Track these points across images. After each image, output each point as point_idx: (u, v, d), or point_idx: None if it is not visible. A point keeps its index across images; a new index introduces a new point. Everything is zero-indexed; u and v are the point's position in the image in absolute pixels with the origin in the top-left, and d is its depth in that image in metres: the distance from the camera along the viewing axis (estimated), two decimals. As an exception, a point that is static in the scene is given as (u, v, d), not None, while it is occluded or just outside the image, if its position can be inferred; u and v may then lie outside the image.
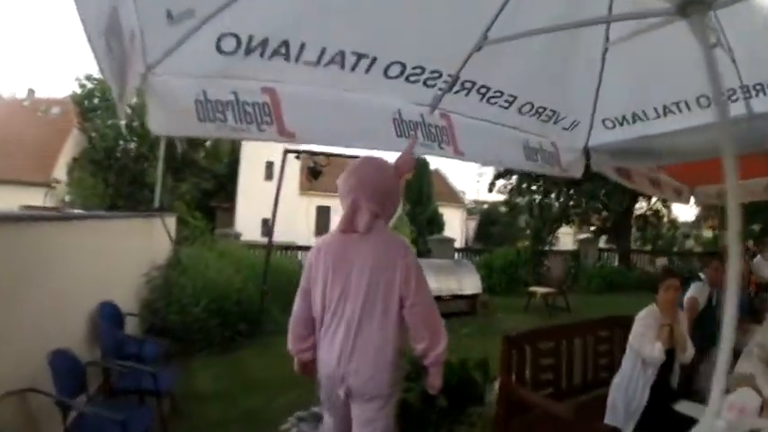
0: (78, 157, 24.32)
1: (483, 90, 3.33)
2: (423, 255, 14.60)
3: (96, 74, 24.17)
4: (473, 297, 11.37)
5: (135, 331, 6.57)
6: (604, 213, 20.65)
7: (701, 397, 4.04)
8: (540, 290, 12.62)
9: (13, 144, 24.00)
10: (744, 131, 3.26)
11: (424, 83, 3.09)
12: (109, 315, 5.48)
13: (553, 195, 20.48)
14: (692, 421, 3.31)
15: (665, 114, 3.71)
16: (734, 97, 3.29)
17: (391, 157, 3.05)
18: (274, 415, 4.98)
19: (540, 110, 3.75)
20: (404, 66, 2.92)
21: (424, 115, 3.28)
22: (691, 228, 29.60)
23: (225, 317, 7.83)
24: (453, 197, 38.15)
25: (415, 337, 2.86)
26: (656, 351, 3.77)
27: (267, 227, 12.69)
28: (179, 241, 10.31)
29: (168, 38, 2.28)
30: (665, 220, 21.60)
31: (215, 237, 13.02)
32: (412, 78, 3.01)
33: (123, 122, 22.84)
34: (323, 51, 2.63)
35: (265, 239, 11.50)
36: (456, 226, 34.86)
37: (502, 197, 22.80)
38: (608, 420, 3.92)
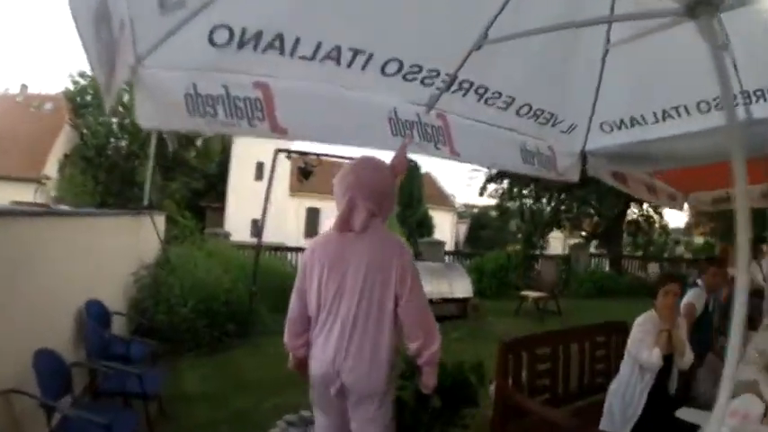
0: (69, 154, 24.22)
1: (481, 90, 3.27)
2: (413, 257, 14.53)
3: (89, 71, 24.02)
4: (464, 301, 11.31)
5: (122, 331, 6.47)
6: (596, 218, 20.66)
7: (698, 403, 4.01)
8: (532, 294, 12.56)
9: (5, 140, 23.95)
10: (743, 137, 3.26)
11: (422, 81, 3.01)
12: (95, 314, 5.37)
13: (544, 200, 20.47)
14: (690, 428, 3.29)
15: (663, 119, 3.66)
16: (733, 102, 3.17)
17: (386, 156, 3.03)
18: (263, 417, 4.94)
19: (539, 112, 3.70)
20: (401, 63, 2.84)
21: (420, 115, 3.20)
22: (681, 234, 29.69)
23: (213, 317, 7.72)
24: (443, 200, 38.22)
25: (409, 336, 2.86)
26: (654, 357, 3.73)
27: (257, 227, 12.62)
28: (168, 240, 10.22)
29: (159, 28, 2.19)
30: (657, 226, 21.60)
31: (204, 236, 12.91)
32: (409, 76, 2.94)
33: (115, 120, 22.76)
34: (318, 46, 2.54)
35: (255, 240, 11.42)
36: (446, 229, 34.93)
37: (492, 201, 22.78)
38: (603, 426, 3.87)
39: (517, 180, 19.84)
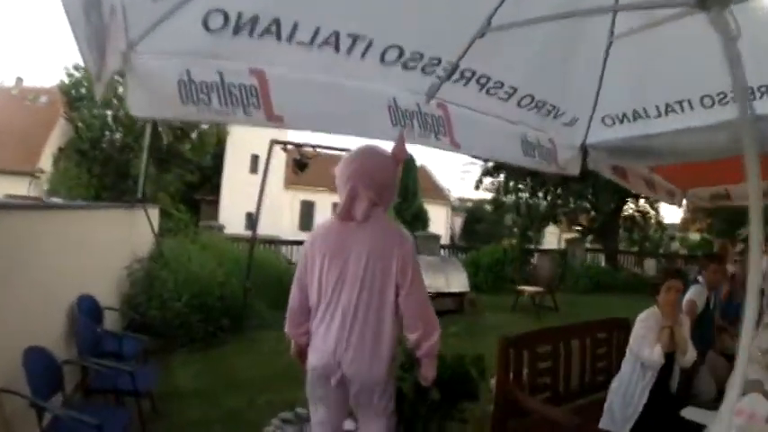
0: (64, 147, 24.11)
1: (483, 80, 3.18)
2: (414, 247, 14.51)
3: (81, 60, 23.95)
4: (460, 295, 11.25)
5: (114, 326, 6.37)
6: (592, 213, 20.63)
7: (699, 401, 3.97)
8: (529, 289, 12.51)
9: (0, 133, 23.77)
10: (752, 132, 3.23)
11: (422, 70, 2.93)
12: (87, 310, 5.28)
13: (540, 194, 20.42)
14: (693, 428, 3.24)
15: (666, 113, 3.61)
16: (747, 96, 3.11)
17: (384, 146, 2.99)
18: (257, 415, 4.87)
19: (540, 104, 3.62)
20: (402, 50, 2.74)
21: (420, 104, 3.11)
22: (677, 230, 29.72)
23: (207, 312, 7.65)
24: (438, 194, 38.18)
25: (408, 327, 2.86)
26: (655, 355, 3.67)
27: (251, 220, 12.55)
28: (162, 233, 10.12)
29: (152, 13, 2.10)
30: (653, 221, 21.58)
31: (198, 229, 12.82)
32: (410, 64, 2.85)
33: (109, 112, 22.65)
34: (317, 32, 2.45)
35: (249, 233, 11.34)
36: (441, 223, 34.87)
37: (488, 195, 22.73)
38: (603, 424, 3.83)
39: (513, 174, 19.82)
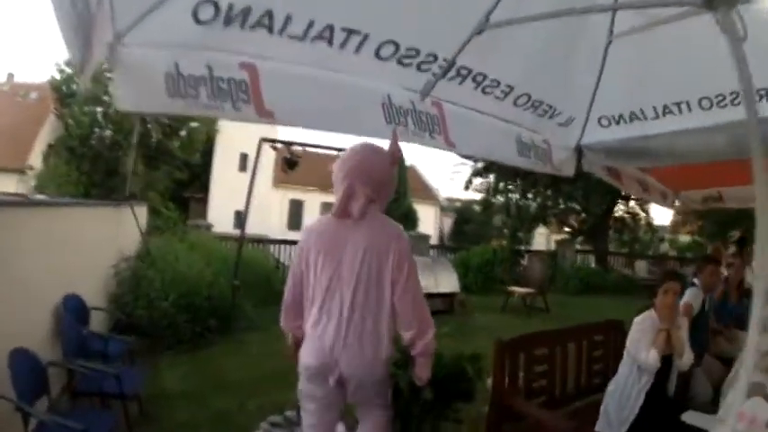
0: (54, 144, 23.92)
1: (479, 78, 3.12)
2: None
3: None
4: (450, 296, 11.19)
5: (101, 327, 6.27)
6: (583, 215, 20.64)
7: (696, 403, 3.94)
8: (519, 290, 12.48)
9: (-10, 129, 23.62)
10: (741, 136, 3.17)
11: (418, 66, 2.86)
12: (73, 309, 5.17)
13: (531, 195, 20.42)
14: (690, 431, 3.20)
15: (664, 114, 3.58)
16: (736, 101, 3.16)
17: (378, 144, 2.94)
18: (246, 418, 4.80)
19: (537, 103, 3.58)
20: (397, 46, 2.67)
21: (414, 102, 3.05)
22: (666, 232, 29.80)
23: (195, 312, 7.52)
24: (427, 194, 38.17)
25: (403, 325, 2.84)
26: (651, 358, 3.63)
27: (240, 219, 12.48)
28: (149, 232, 10.00)
29: (140, 3, 2.04)
30: (643, 223, 21.63)
31: (186, 228, 12.70)
32: (405, 61, 2.78)
33: (99, 109, 22.48)
34: (310, 25, 2.37)
35: (238, 231, 11.25)
36: (430, 223, 34.87)
37: (478, 196, 22.70)
38: (599, 427, 3.80)
39: (503, 175, 19.79)
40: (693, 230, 25.01)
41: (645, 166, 4.95)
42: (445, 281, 11.22)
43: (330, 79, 2.66)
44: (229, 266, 9.31)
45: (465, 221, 37.67)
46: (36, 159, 23.91)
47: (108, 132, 23.21)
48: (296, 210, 35.38)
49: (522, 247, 19.81)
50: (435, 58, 2.85)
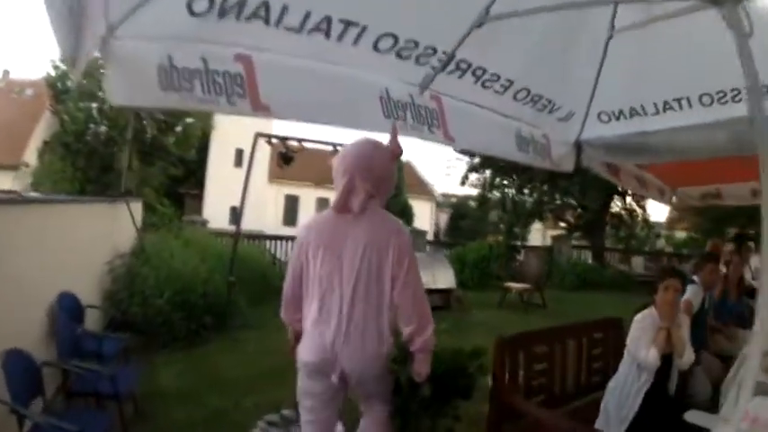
0: (49, 141, 23.80)
1: (479, 72, 3.08)
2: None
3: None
4: (447, 292, 11.13)
5: (96, 325, 6.22)
6: (579, 210, 20.62)
7: (695, 401, 3.93)
8: (516, 285, 12.42)
9: (-15, 126, 23.56)
10: (742, 133, 3.19)
11: (417, 60, 2.81)
12: (68, 308, 5.10)
13: (527, 191, 20.39)
14: (689, 430, 3.18)
15: (664, 110, 3.57)
16: (737, 98, 3.17)
17: (378, 139, 2.90)
18: (242, 416, 4.74)
19: (537, 98, 3.54)
20: (396, 39, 2.63)
21: (413, 96, 3.01)
22: (662, 228, 29.82)
23: (190, 310, 7.46)
24: (423, 189, 38.16)
25: (402, 320, 2.82)
26: (651, 357, 3.58)
27: (235, 215, 12.44)
28: (144, 228, 9.93)
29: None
30: (639, 219, 21.62)
31: (181, 224, 12.62)
32: (404, 53, 2.73)
33: (94, 105, 22.36)
34: (307, 16, 2.32)
35: (233, 227, 11.19)
36: (425, 218, 34.91)
37: (473, 191, 22.69)
38: (599, 425, 3.76)
39: (500, 170, 19.77)
40: (689, 227, 25.02)
41: (645, 163, 4.93)
42: (442, 277, 11.16)
43: (327, 72, 2.62)
44: (225, 263, 9.22)
45: (461, 217, 37.73)
46: (31, 156, 23.81)
47: (103, 128, 23.10)
48: (291, 205, 35.39)
49: (519, 243, 19.79)
50: (434, 51, 2.81)
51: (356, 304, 2.75)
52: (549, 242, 24.29)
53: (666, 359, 3.65)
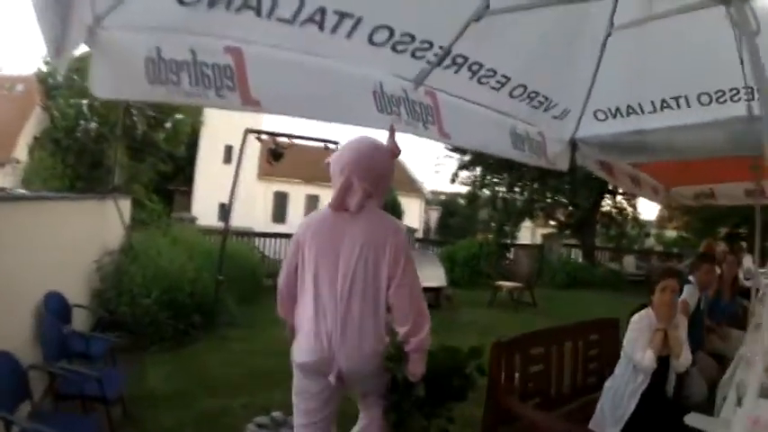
0: (39, 137, 23.62)
1: (475, 67, 3.04)
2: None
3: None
4: (437, 290, 11.04)
5: (83, 324, 6.10)
6: (570, 209, 20.63)
7: (691, 402, 3.90)
8: (507, 284, 12.38)
9: (-25, 122, 23.40)
10: (739, 133, 3.26)
11: (412, 54, 2.76)
12: (55, 308, 5.00)
13: (517, 189, 20.39)
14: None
15: (662, 109, 3.57)
16: (735, 97, 3.19)
17: (374, 137, 2.83)
18: (232, 418, 4.68)
19: (533, 95, 3.52)
20: (392, 31, 2.56)
21: (407, 91, 2.96)
22: (652, 227, 29.92)
23: (178, 309, 7.34)
24: (412, 186, 38.09)
25: (398, 320, 2.79)
26: (647, 359, 3.52)
27: (224, 211, 12.34)
28: (133, 225, 9.81)
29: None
30: (630, 218, 21.66)
31: (170, 221, 12.50)
32: (399, 47, 2.68)
33: (84, 101, 22.20)
34: (300, 7, 2.25)
35: (222, 224, 11.08)
36: (414, 216, 34.86)
37: (463, 188, 22.67)
38: (593, 424, 3.72)
39: (490, 168, 19.77)
40: (680, 226, 25.09)
41: (641, 162, 4.93)
42: (432, 275, 11.06)
43: (320, 65, 2.56)
44: (213, 260, 9.11)
45: (450, 215, 37.73)
46: (22, 153, 23.63)
47: (93, 125, 22.95)
48: (280, 202, 35.30)
49: (509, 241, 19.79)
50: (431, 45, 2.76)
51: (353, 303, 2.71)
52: (538, 240, 24.35)
53: (663, 361, 3.59)
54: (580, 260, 19.47)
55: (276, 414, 4.42)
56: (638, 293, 3.99)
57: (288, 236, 14.75)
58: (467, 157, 19.95)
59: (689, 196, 7.06)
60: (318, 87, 2.57)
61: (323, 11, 2.31)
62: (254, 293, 10.19)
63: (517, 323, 9.73)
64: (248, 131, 8.98)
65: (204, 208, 28.80)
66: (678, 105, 3.45)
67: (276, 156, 9.53)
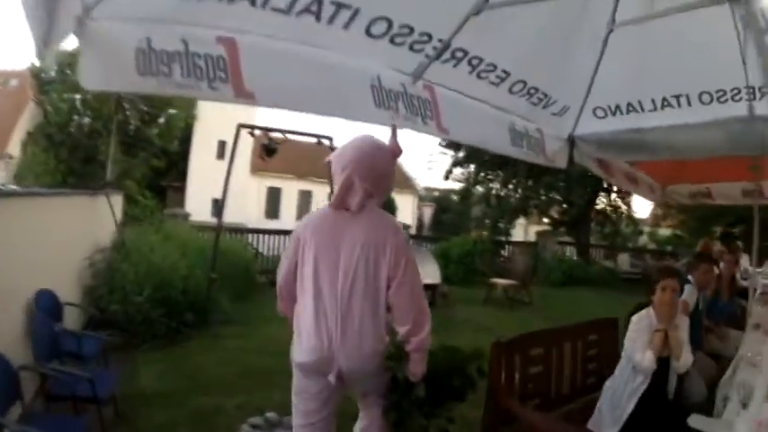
0: (32, 132, 23.50)
1: (474, 61, 3.00)
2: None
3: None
4: (432, 287, 10.94)
5: (75, 322, 6.02)
6: (564, 206, 20.61)
7: (690, 403, 3.82)
8: (502, 282, 12.30)
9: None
10: (740, 133, 3.27)
11: (411, 47, 2.71)
12: (45, 306, 4.87)
13: (511, 186, 20.35)
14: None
15: (662, 107, 3.56)
16: (737, 97, 3.19)
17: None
18: (226, 418, 4.62)
19: (533, 90, 3.50)
20: (390, 23, 2.51)
21: (405, 85, 2.91)
22: (646, 225, 29.94)
23: (170, 306, 7.25)
24: (405, 183, 38.02)
25: (398, 320, 2.80)
26: (646, 360, 3.47)
27: (217, 207, 12.27)
28: (125, 222, 9.71)
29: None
30: (624, 216, 21.65)
31: (162, 217, 12.39)
32: (397, 40, 2.63)
33: (78, 96, 22.08)
34: (297, -4, 2.18)
35: (215, 220, 10.99)
36: (408, 212, 34.83)
37: (456, 184, 22.64)
38: (591, 424, 3.68)
39: (484, 165, 19.73)
40: (674, 224, 25.11)
41: (639, 160, 4.91)
42: (427, 272, 10.91)
43: (316, 57, 2.50)
44: (206, 257, 9.04)
45: (442, 211, 37.72)
46: (15, 148, 23.58)
47: (87, 120, 22.84)
48: (273, 198, 35.23)
49: (504, 239, 19.76)
50: (430, 37, 2.71)
51: (353, 302, 2.71)
52: (531, 238, 24.32)
53: (664, 362, 3.54)
54: (574, 258, 19.44)
55: (270, 415, 4.37)
56: (634, 291, 3.95)
57: (281, 232, 14.78)
58: (461, 154, 19.92)
59: (685, 195, 7.06)
60: (314, 80, 2.51)
61: (320, 1, 2.26)
62: (248, 290, 10.11)
63: (513, 321, 9.70)
64: (241, 126, 8.91)
65: (197, 204, 28.68)
66: (679, 104, 3.45)
67: (269, 151, 9.46)
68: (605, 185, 18.35)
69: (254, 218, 28.62)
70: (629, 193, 18.80)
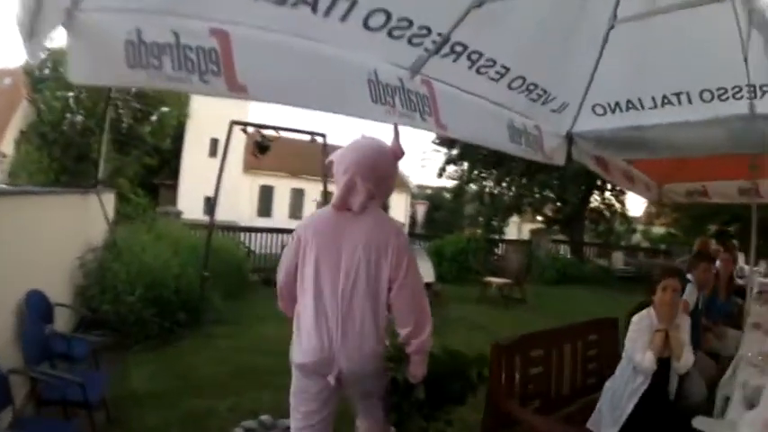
0: (25, 130, 23.37)
1: (474, 56, 2.94)
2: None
3: (48, 43, 23.43)
4: (426, 286, 10.87)
5: (66, 324, 5.95)
6: (558, 204, 20.59)
7: (690, 402, 3.79)
8: (496, 280, 12.26)
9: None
10: (740, 131, 3.25)
11: (409, 40, 2.65)
12: (36, 307, 4.81)
13: (505, 184, 20.33)
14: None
15: (662, 105, 3.53)
16: (738, 95, 3.17)
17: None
18: (219, 420, 4.56)
19: (532, 87, 3.45)
20: (389, 15, 2.45)
21: (403, 80, 2.84)
22: (638, 223, 30.00)
23: (162, 306, 7.16)
24: (398, 181, 37.90)
25: (399, 322, 2.78)
26: (646, 361, 3.42)
27: (210, 205, 12.20)
28: (117, 220, 9.61)
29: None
30: (618, 214, 21.66)
31: (154, 215, 12.29)
32: (396, 33, 2.56)
33: (71, 94, 21.98)
34: (292, -14, 2.11)
35: (207, 218, 10.90)
36: (401, 210, 34.78)
37: (449, 182, 22.64)
38: (591, 424, 3.66)
39: (478, 163, 19.72)
40: (668, 223, 25.14)
41: (638, 158, 4.88)
42: (421, 270, 10.89)
43: (312, 50, 2.42)
44: (198, 256, 8.99)
45: (435, 209, 37.75)
46: (9, 146, 23.46)
47: (79, 118, 22.75)
48: (266, 196, 35.15)
49: (497, 237, 19.73)
50: (429, 31, 2.65)
51: (354, 303, 2.69)
52: (525, 236, 24.30)
53: (664, 362, 3.49)
54: (568, 256, 19.43)
55: (264, 417, 4.33)
56: (628, 290, 3.93)
57: (274, 230, 14.71)
58: (454, 151, 19.94)
59: (681, 193, 7.05)
60: (310, 73, 2.43)
61: (316, -9, 2.18)
62: (240, 289, 10.04)
63: (508, 320, 9.69)
64: (234, 123, 8.84)
65: (190, 202, 28.57)
66: (679, 102, 3.42)
67: (262, 148, 9.42)
68: (599, 183, 18.35)
69: (246, 216, 28.58)
70: (622, 191, 18.82)
